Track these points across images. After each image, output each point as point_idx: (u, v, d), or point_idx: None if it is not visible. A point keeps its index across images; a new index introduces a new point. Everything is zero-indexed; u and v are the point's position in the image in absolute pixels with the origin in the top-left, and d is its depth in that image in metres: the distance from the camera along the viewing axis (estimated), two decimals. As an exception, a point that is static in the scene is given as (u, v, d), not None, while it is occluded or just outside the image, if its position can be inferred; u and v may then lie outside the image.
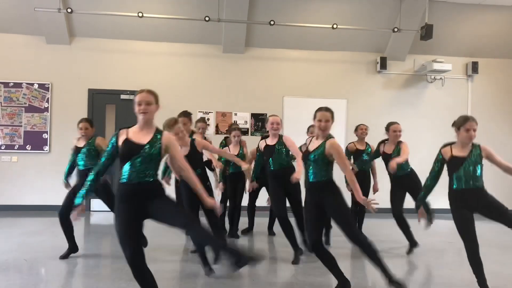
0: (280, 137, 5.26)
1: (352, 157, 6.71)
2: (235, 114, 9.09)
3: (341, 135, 8.95)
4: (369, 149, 6.68)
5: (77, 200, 3.25)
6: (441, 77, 9.61)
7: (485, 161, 3.84)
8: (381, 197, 6.58)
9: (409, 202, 5.58)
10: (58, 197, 5.66)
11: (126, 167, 3.12)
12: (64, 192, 5.21)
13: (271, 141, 5.29)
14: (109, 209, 5.19)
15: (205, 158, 5.04)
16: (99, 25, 8.59)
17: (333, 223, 6.00)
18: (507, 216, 3.69)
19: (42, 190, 8.42)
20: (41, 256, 5.21)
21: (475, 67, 9.57)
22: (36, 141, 8.64)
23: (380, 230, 7.31)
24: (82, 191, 3.25)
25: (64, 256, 5.12)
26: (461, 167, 3.75)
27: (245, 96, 9.18)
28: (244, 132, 8.73)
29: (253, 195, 6.56)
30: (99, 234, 6.68)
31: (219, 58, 9.15)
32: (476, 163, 3.75)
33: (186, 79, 9.06)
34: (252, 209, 6.73)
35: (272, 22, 8.40)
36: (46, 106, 8.71)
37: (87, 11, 8.15)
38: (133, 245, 3.08)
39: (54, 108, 8.72)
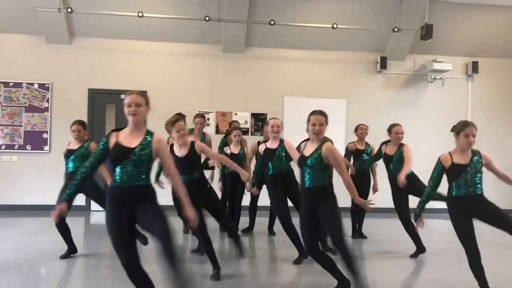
0: (282, 141, 5.17)
1: (352, 157, 6.72)
2: (235, 114, 9.09)
3: (341, 135, 8.96)
4: (369, 149, 6.68)
5: (61, 198, 3.19)
6: (441, 77, 9.61)
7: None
8: (381, 197, 6.61)
9: (410, 202, 5.57)
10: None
11: (117, 170, 3.10)
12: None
13: (271, 144, 5.20)
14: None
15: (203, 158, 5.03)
16: (99, 25, 8.59)
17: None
18: (507, 222, 3.66)
19: (42, 190, 8.42)
20: (41, 256, 5.21)
21: (475, 67, 9.57)
22: (36, 141, 8.65)
23: (380, 230, 7.32)
24: (69, 191, 3.22)
25: (64, 256, 5.13)
26: (462, 174, 3.69)
27: (245, 96, 9.17)
28: (244, 132, 8.73)
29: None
30: (99, 234, 6.68)
31: (219, 58, 9.15)
32: (476, 170, 3.71)
33: (186, 79, 9.06)
34: (253, 208, 6.73)
35: (272, 22, 8.39)
36: (46, 106, 8.71)
37: (87, 11, 8.15)
38: (126, 249, 3.06)
39: (54, 108, 8.72)
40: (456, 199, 3.74)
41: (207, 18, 8.12)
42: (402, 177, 5.07)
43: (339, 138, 8.62)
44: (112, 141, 3.14)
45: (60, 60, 8.76)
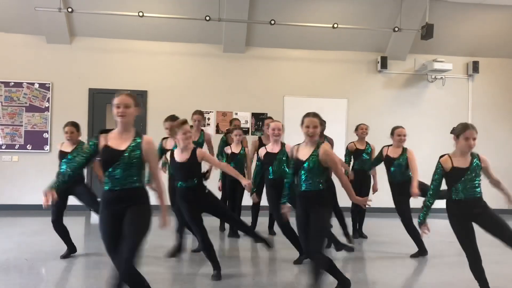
0: (283, 145, 5.12)
1: (352, 156, 6.71)
2: (236, 114, 9.09)
3: (342, 135, 8.96)
4: (369, 149, 6.68)
5: (49, 187, 3.17)
6: (441, 77, 9.60)
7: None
8: (380, 197, 6.62)
9: (412, 202, 5.57)
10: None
11: (108, 174, 3.09)
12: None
13: (272, 148, 5.13)
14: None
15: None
16: (100, 25, 8.59)
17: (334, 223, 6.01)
18: (503, 230, 3.61)
19: (43, 190, 8.39)
20: (41, 255, 5.22)
21: (475, 66, 9.56)
22: (36, 140, 8.65)
23: (381, 230, 7.31)
24: (57, 183, 3.19)
25: (65, 256, 5.14)
26: (462, 178, 3.65)
27: (246, 95, 9.17)
28: (245, 131, 8.72)
29: (258, 194, 6.52)
30: (100, 234, 6.68)
31: (220, 58, 9.15)
32: (476, 174, 3.66)
33: (186, 79, 9.06)
34: (256, 208, 6.70)
35: (272, 22, 8.39)
36: (46, 105, 8.71)
37: (87, 10, 8.15)
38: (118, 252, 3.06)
39: (55, 107, 8.73)
40: (456, 202, 3.69)
41: (207, 18, 8.12)
42: (415, 189, 5.12)
43: (340, 138, 8.61)
44: (102, 143, 3.12)
45: (60, 60, 8.76)
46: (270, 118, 6.82)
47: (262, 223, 6.92)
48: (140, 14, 7.99)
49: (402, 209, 5.55)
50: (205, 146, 6.47)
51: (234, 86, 9.16)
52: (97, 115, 8.79)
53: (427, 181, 4.06)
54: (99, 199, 3.85)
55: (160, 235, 6.22)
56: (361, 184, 6.27)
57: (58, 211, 5.05)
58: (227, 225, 6.76)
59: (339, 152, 7.52)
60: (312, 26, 8.68)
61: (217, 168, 5.44)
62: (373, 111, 9.25)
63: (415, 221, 5.48)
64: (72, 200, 5.15)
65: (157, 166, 3.29)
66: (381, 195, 6.64)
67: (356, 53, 9.46)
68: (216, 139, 7.23)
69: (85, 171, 5.55)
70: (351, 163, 6.72)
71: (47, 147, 8.63)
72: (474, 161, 3.67)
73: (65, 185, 3.26)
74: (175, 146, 5.32)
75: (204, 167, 5.04)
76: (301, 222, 3.86)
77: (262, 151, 5.20)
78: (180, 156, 4.32)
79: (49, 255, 5.20)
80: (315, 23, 8.67)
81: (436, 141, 8.52)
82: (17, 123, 8.63)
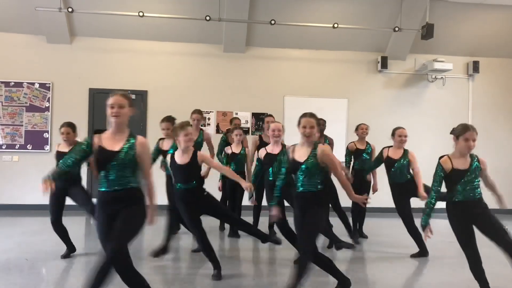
0: (283, 146, 5.09)
1: (352, 156, 6.71)
2: (236, 114, 9.09)
3: (342, 135, 8.96)
4: (370, 149, 6.67)
5: (47, 176, 3.18)
6: (442, 77, 9.60)
7: None
8: (380, 196, 6.62)
9: (413, 202, 5.57)
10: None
11: (103, 175, 3.09)
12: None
13: (272, 149, 5.10)
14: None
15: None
16: (100, 25, 8.59)
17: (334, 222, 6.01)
18: (499, 235, 3.58)
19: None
20: (42, 255, 5.22)
21: (476, 66, 9.56)
22: (37, 140, 8.65)
23: (381, 230, 7.32)
24: (54, 175, 3.20)
25: (65, 256, 5.14)
26: (462, 180, 3.63)
27: (246, 95, 9.17)
28: (245, 131, 8.72)
29: (259, 194, 6.51)
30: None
31: (220, 58, 9.14)
32: (476, 175, 3.65)
33: (186, 79, 9.06)
34: (258, 207, 6.68)
35: (272, 22, 8.39)
36: (47, 105, 8.71)
37: (88, 10, 8.15)
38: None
39: (55, 107, 8.73)
40: (456, 204, 3.67)
41: (207, 18, 8.12)
42: (423, 192, 5.14)
43: (340, 137, 8.61)
44: (96, 143, 3.12)
45: (61, 59, 8.76)
46: (271, 115, 6.81)
47: (262, 222, 6.91)
48: (141, 14, 7.99)
49: (403, 210, 5.55)
50: (204, 146, 6.49)
51: (235, 86, 9.16)
52: (97, 115, 8.78)
53: (428, 181, 4.05)
54: (94, 199, 3.85)
55: (160, 235, 6.25)
56: (361, 184, 6.26)
57: (57, 211, 5.07)
58: (227, 225, 6.76)
59: (340, 152, 7.53)
60: (312, 26, 8.68)
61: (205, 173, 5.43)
62: (373, 111, 9.25)
63: (416, 221, 5.52)
64: (71, 201, 5.15)
65: (150, 166, 3.30)
66: (381, 195, 6.64)
67: (356, 53, 9.46)
68: (216, 139, 7.23)
69: (84, 174, 5.56)
70: (351, 163, 6.72)
71: (47, 147, 8.63)
72: (474, 162, 3.66)
73: (63, 178, 3.24)
74: (172, 147, 5.34)
75: (202, 168, 5.05)
76: (299, 222, 3.85)
77: (262, 152, 5.16)
78: (180, 158, 4.31)
79: (50, 255, 5.20)
80: (315, 23, 8.67)
81: (437, 141, 8.52)
82: (18, 123, 8.64)
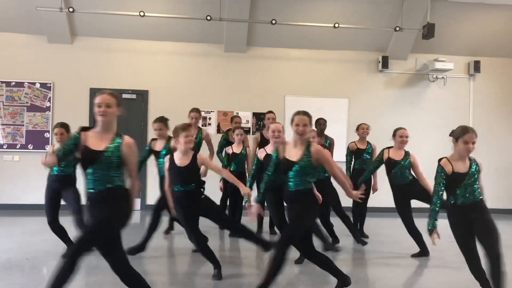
0: None
1: (353, 156, 6.71)
2: (237, 113, 9.09)
3: (343, 134, 8.95)
4: (371, 149, 6.68)
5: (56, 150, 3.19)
6: (443, 76, 9.59)
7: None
8: (380, 196, 6.62)
9: (413, 202, 5.56)
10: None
11: (88, 174, 3.08)
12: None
13: (271, 150, 4.97)
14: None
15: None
16: (101, 24, 8.59)
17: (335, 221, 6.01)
18: (492, 246, 3.46)
19: (44, 190, 8.40)
20: (42, 255, 5.23)
21: (477, 66, 9.54)
22: (38, 140, 8.66)
23: (381, 230, 7.31)
24: (60, 151, 3.18)
25: (66, 256, 5.13)
26: (462, 183, 3.56)
27: (247, 95, 9.17)
28: (246, 131, 8.72)
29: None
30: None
31: (221, 57, 9.15)
32: (475, 178, 3.58)
33: (187, 78, 9.06)
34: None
35: (273, 21, 8.38)
36: (48, 105, 8.72)
37: (88, 10, 8.15)
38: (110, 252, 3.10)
39: (56, 107, 8.74)
40: (456, 207, 3.61)
41: (208, 18, 8.12)
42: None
43: (341, 137, 8.60)
44: (82, 141, 3.11)
45: (61, 59, 8.77)
46: (271, 112, 6.81)
47: (263, 222, 6.92)
48: (141, 13, 8.00)
49: (403, 211, 5.53)
50: (204, 145, 6.50)
51: (235, 86, 9.16)
52: (98, 115, 8.78)
53: (429, 181, 4.03)
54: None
55: (159, 235, 6.25)
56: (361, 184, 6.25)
57: (52, 212, 5.08)
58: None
59: (340, 151, 7.54)
60: (313, 25, 8.67)
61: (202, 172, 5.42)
62: (374, 110, 9.24)
63: (416, 221, 5.52)
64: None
65: (136, 167, 3.27)
66: (381, 195, 6.65)
67: (357, 53, 9.45)
68: (217, 139, 7.23)
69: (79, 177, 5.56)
70: (352, 162, 6.72)
71: (48, 147, 8.63)
72: (473, 165, 3.60)
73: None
74: (165, 148, 5.35)
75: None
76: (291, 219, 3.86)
77: (261, 153, 5.08)
78: (180, 160, 4.27)
79: (50, 255, 5.20)
80: (316, 22, 8.67)
81: (437, 140, 8.51)
82: (19, 122, 8.64)
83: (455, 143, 3.61)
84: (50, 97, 8.73)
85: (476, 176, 3.59)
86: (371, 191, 6.59)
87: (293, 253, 5.17)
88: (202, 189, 4.39)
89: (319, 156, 3.75)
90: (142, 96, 8.93)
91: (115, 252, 3.12)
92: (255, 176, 5.17)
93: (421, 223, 5.58)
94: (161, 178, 5.29)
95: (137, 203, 3.09)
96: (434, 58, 9.21)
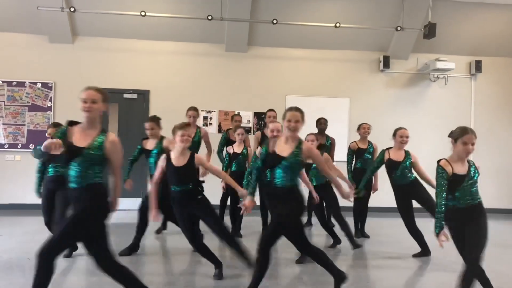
0: None
1: (354, 156, 6.71)
2: (237, 113, 9.08)
3: (344, 134, 8.95)
4: (372, 148, 6.68)
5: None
6: (444, 76, 9.58)
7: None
8: (381, 196, 6.61)
9: (415, 202, 5.56)
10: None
11: (70, 170, 3.08)
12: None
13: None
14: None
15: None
16: (102, 24, 8.60)
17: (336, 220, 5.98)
18: (470, 252, 3.43)
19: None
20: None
21: (478, 66, 9.53)
22: (39, 140, 8.64)
23: (382, 230, 7.31)
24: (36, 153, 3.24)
25: (68, 255, 5.15)
26: (461, 185, 3.49)
27: (248, 95, 9.17)
28: (247, 131, 8.72)
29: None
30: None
31: (222, 57, 9.15)
32: (474, 181, 3.52)
33: (188, 78, 9.06)
34: (264, 209, 6.65)
35: (274, 21, 8.38)
36: (49, 105, 8.73)
37: (90, 10, 8.16)
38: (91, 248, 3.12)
39: (57, 107, 8.74)
40: (454, 211, 3.53)
41: (209, 17, 8.12)
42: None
43: (342, 137, 8.60)
44: (67, 135, 3.11)
45: (63, 59, 8.77)
46: (272, 110, 6.82)
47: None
48: (143, 13, 8.00)
49: (405, 211, 5.53)
50: (202, 144, 6.51)
51: (236, 86, 9.16)
52: (99, 115, 8.78)
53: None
54: None
55: (159, 236, 6.26)
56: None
57: (49, 212, 5.09)
58: (227, 223, 6.75)
59: (341, 151, 7.54)
60: (314, 25, 8.67)
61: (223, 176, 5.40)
62: (375, 110, 9.24)
63: (418, 221, 5.51)
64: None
65: (120, 164, 3.25)
66: (381, 194, 6.65)
67: (358, 53, 9.45)
68: (218, 139, 7.23)
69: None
70: (353, 162, 6.72)
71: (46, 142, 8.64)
72: (472, 168, 3.55)
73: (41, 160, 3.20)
74: (157, 148, 5.35)
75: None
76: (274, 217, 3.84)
77: (260, 152, 5.13)
78: (177, 160, 4.23)
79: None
80: (317, 22, 8.67)
81: (439, 140, 8.50)
82: (20, 122, 8.65)
83: (454, 144, 3.55)
84: (51, 97, 8.74)
85: (475, 178, 3.53)
86: (372, 191, 6.59)
87: (293, 253, 5.20)
88: (200, 189, 4.36)
89: (310, 155, 3.75)
90: (143, 96, 8.93)
91: (97, 250, 3.12)
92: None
93: (421, 223, 5.60)
94: (152, 177, 5.32)
95: (121, 202, 3.06)
96: (435, 57, 9.20)
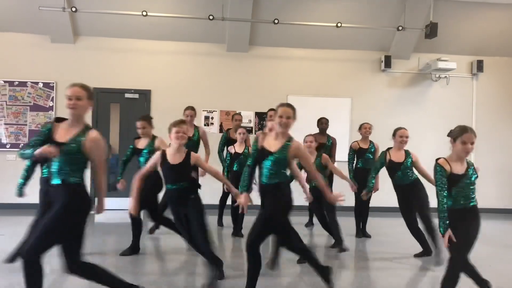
0: None
1: (355, 155, 6.71)
2: (238, 112, 9.09)
3: (345, 134, 8.94)
4: (373, 148, 6.67)
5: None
6: (445, 76, 9.57)
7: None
8: (382, 196, 6.61)
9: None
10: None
11: (48, 166, 3.08)
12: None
13: None
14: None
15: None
16: (104, 24, 8.61)
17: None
18: (453, 255, 3.38)
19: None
20: (44, 254, 5.21)
21: (480, 65, 9.52)
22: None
23: (384, 229, 7.31)
24: (32, 141, 3.18)
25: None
26: (458, 185, 3.43)
27: (249, 95, 9.17)
28: (248, 131, 8.72)
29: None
30: (104, 232, 6.71)
31: (223, 57, 9.15)
32: (471, 182, 3.46)
33: (190, 78, 9.07)
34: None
35: (276, 21, 8.39)
36: (51, 105, 8.75)
37: (91, 10, 8.17)
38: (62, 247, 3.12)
39: (59, 107, 8.76)
40: (451, 211, 3.44)
41: (211, 17, 8.13)
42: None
43: (343, 137, 8.59)
44: (53, 131, 3.11)
45: (64, 59, 8.79)
46: (273, 110, 6.81)
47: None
48: (144, 13, 8.02)
49: (406, 211, 5.52)
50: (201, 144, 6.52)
51: (238, 85, 9.16)
52: (101, 114, 8.80)
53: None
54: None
55: (159, 236, 6.26)
56: (364, 183, 6.25)
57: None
58: (226, 222, 6.77)
59: (343, 151, 7.54)
60: (316, 25, 8.67)
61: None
62: (376, 110, 9.23)
63: (419, 221, 5.51)
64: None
65: (102, 163, 3.21)
66: (382, 194, 6.64)
67: (359, 52, 9.44)
68: (219, 138, 7.24)
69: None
70: (355, 162, 6.72)
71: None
72: (470, 169, 3.50)
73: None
74: (148, 147, 5.35)
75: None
76: (259, 213, 3.80)
77: None
78: (172, 158, 4.19)
79: (53, 254, 5.19)
80: (319, 22, 8.67)
81: (440, 140, 8.46)
82: (22, 122, 8.67)
83: (453, 143, 3.50)
84: (53, 97, 8.76)
85: (472, 179, 3.47)
86: (373, 191, 6.58)
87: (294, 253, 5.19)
88: (196, 187, 4.33)
89: (297, 154, 3.74)
90: (145, 95, 8.94)
91: (70, 252, 3.11)
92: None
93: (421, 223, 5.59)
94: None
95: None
96: (437, 57, 9.19)
